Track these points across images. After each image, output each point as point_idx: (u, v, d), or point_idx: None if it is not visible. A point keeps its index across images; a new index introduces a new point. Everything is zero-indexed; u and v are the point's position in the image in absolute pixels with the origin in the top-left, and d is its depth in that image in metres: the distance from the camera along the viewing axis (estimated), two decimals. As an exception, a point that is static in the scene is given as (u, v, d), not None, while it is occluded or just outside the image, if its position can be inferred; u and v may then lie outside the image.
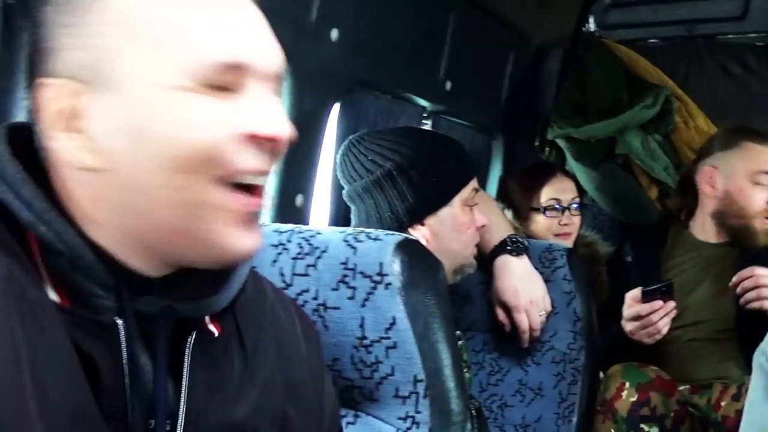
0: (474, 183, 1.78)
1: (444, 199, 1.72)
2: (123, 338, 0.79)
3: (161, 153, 0.76)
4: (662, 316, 1.92)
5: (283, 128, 0.80)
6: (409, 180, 1.70)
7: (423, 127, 2.41)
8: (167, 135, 0.76)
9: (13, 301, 0.72)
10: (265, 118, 0.79)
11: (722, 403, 2.01)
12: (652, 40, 3.19)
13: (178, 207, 0.78)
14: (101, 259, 0.79)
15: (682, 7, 3.10)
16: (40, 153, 0.81)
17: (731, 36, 3.09)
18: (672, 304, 1.96)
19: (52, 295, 0.77)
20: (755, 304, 2.03)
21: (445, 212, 1.72)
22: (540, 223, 2.57)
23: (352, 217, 1.83)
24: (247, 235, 0.81)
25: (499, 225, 2.00)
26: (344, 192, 1.84)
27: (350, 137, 1.85)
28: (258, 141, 0.79)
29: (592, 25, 3.11)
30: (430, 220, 1.71)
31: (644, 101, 2.85)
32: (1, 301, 0.71)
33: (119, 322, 0.79)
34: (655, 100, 2.82)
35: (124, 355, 0.79)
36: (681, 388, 2.16)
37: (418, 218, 1.71)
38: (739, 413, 1.66)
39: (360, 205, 1.75)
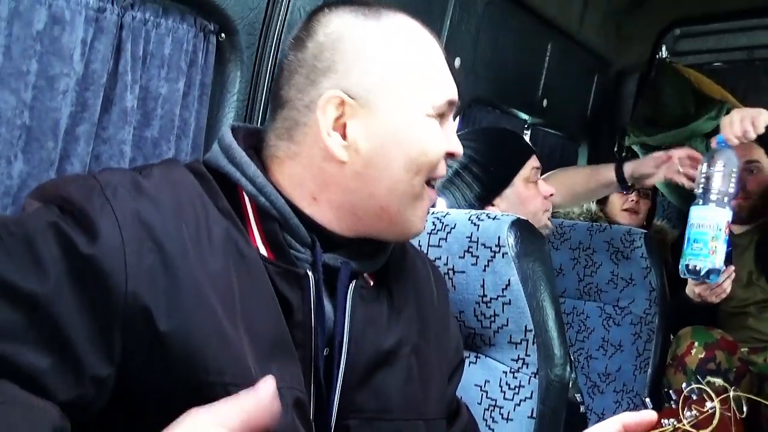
0: (532, 162, 1.67)
1: (504, 183, 1.64)
2: (312, 286, 0.81)
3: (407, 158, 0.83)
4: (725, 278, 1.80)
5: (461, 148, 0.90)
6: (472, 173, 1.65)
7: (485, 126, 2.27)
8: (418, 145, 0.84)
9: (230, 254, 0.76)
10: (457, 142, 0.89)
11: None
12: (716, 64, 3.01)
13: (401, 195, 0.85)
14: (304, 223, 0.83)
15: (743, 36, 2.91)
16: (263, 149, 0.87)
17: (786, 59, 2.88)
18: (732, 267, 1.83)
19: (262, 250, 0.80)
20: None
21: (508, 192, 1.63)
22: (613, 201, 2.53)
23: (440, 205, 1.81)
24: (425, 220, 0.90)
25: None
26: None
27: None
28: (450, 156, 0.88)
29: (664, 52, 2.96)
30: (498, 201, 1.64)
31: (708, 113, 2.69)
32: (221, 255, 0.74)
33: (310, 273, 0.81)
34: (718, 112, 2.65)
35: (313, 298, 0.80)
36: (742, 348, 2.03)
37: (487, 201, 1.65)
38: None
39: (445, 196, 1.72)
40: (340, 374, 0.81)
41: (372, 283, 0.90)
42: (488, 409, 1.23)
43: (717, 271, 1.57)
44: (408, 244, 1.00)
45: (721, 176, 1.59)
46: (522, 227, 1.24)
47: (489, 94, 2.17)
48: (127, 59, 1.16)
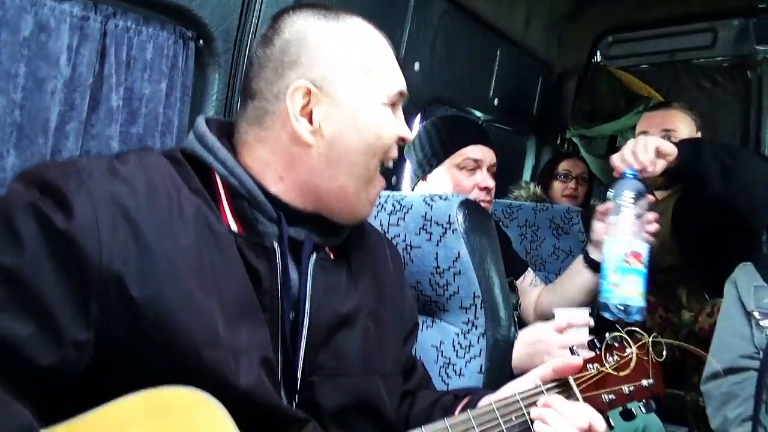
0: (469, 152, 1.56)
1: (432, 164, 1.59)
2: (278, 256, 0.78)
3: (364, 141, 0.82)
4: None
5: (411, 134, 0.88)
6: (416, 146, 1.62)
7: (447, 115, 2.09)
8: (373, 130, 0.82)
9: (201, 229, 0.73)
10: (406, 128, 0.87)
11: (699, 318, 1.86)
12: (643, 66, 3.00)
13: (358, 177, 0.83)
14: (271, 200, 0.80)
15: (665, 40, 2.89)
16: (233, 135, 0.84)
17: (703, 60, 2.87)
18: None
19: (233, 225, 0.77)
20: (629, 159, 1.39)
21: (438, 171, 1.58)
22: (555, 187, 2.50)
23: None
24: (374, 201, 0.88)
25: None
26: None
27: None
28: (401, 141, 0.86)
29: (599, 56, 2.95)
30: (429, 177, 1.59)
31: (637, 108, 2.70)
32: (192, 231, 0.72)
33: (276, 245, 0.78)
34: (645, 107, 2.64)
35: (279, 268, 0.78)
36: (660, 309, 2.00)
37: (422, 175, 1.61)
38: (713, 326, 1.54)
39: (409, 160, 1.69)
40: (303, 335, 0.79)
41: (333, 256, 0.87)
42: (443, 367, 1.21)
43: (633, 307, 1.21)
44: (367, 223, 0.97)
45: (622, 209, 1.29)
46: (470, 207, 1.21)
47: (445, 94, 2.13)
48: (112, 63, 1.11)
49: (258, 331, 0.74)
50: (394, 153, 0.86)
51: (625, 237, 1.25)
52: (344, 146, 0.81)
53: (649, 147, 1.36)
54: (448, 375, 1.19)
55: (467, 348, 1.18)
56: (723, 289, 1.53)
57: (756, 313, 1.45)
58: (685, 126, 1.98)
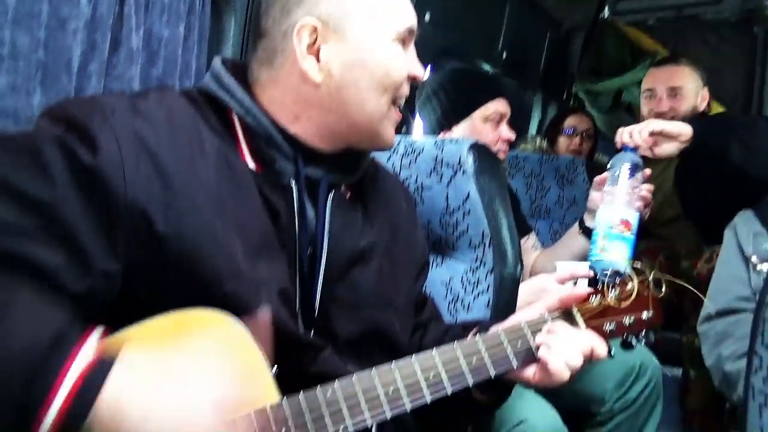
0: (497, 105, 1.55)
1: (462, 114, 1.56)
2: (296, 194, 0.78)
3: (374, 78, 0.79)
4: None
5: (422, 71, 0.85)
6: (438, 100, 1.58)
7: (463, 67, 1.99)
8: (383, 67, 0.79)
9: (221, 166, 0.72)
10: (418, 66, 0.84)
11: (698, 264, 1.85)
12: (650, 21, 2.92)
13: (370, 113, 0.81)
14: (286, 139, 0.79)
15: (673, -4, 2.82)
16: (248, 77, 0.82)
17: (709, 15, 2.79)
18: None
19: (251, 164, 0.77)
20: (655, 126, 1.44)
21: (465, 123, 1.55)
22: (561, 142, 2.46)
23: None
24: (394, 134, 0.86)
25: None
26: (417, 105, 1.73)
27: None
28: (412, 79, 0.83)
29: (606, 12, 2.87)
30: (455, 128, 1.56)
31: (643, 63, 2.64)
32: (212, 167, 0.71)
33: (293, 183, 0.78)
34: (651, 62, 2.58)
35: (296, 205, 0.78)
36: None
37: (446, 126, 1.57)
38: (711, 271, 1.54)
39: (422, 117, 1.66)
40: (321, 269, 0.79)
41: (349, 195, 0.87)
42: (451, 302, 1.22)
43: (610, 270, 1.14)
44: (381, 166, 0.97)
45: (617, 180, 1.32)
46: (479, 149, 1.20)
47: (455, 45, 2.09)
48: (131, 4, 1.09)
49: (276, 265, 0.75)
50: (406, 90, 0.84)
51: (617, 206, 1.28)
52: (354, 84, 0.79)
53: (644, 131, 1.39)
54: (456, 310, 1.21)
55: (475, 284, 1.19)
56: (721, 237, 1.52)
57: (754, 258, 1.46)
58: (691, 82, 1.92)
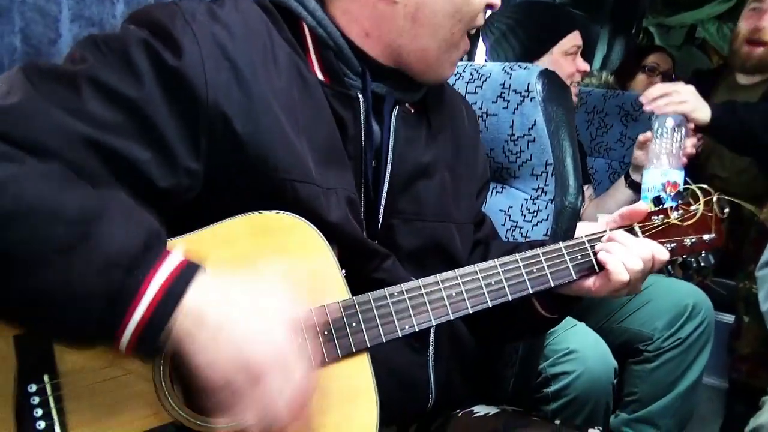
0: (573, 38, 1.57)
1: (543, 50, 1.57)
2: (362, 107, 0.80)
3: (452, 4, 0.79)
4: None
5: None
6: (517, 37, 1.58)
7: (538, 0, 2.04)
8: None
9: (293, 76, 0.75)
10: None
11: (764, 209, 1.80)
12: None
13: (441, 40, 0.81)
14: (355, 54, 0.80)
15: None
16: None
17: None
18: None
19: (320, 75, 0.79)
20: (668, 109, 1.49)
21: (546, 58, 1.56)
22: (640, 79, 2.36)
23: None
24: (454, 69, 0.87)
25: None
26: (488, 45, 1.72)
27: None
28: (489, 7, 0.83)
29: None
30: (536, 63, 1.55)
31: (722, -3, 2.46)
32: (285, 75, 0.73)
33: (360, 97, 0.79)
34: None
35: (362, 116, 0.80)
36: None
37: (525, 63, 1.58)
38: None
39: (495, 55, 1.64)
40: (386, 181, 0.82)
41: (413, 111, 0.88)
42: (510, 229, 1.24)
43: None
44: (447, 83, 0.97)
45: (661, 139, 1.41)
46: (549, 76, 1.18)
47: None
48: None
49: (343, 174, 0.77)
50: (481, 20, 0.83)
51: (662, 167, 1.36)
52: (431, 7, 0.78)
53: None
54: (514, 237, 1.23)
55: (535, 213, 1.20)
56: None
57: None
58: None
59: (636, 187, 1.61)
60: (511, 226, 1.24)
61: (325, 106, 0.77)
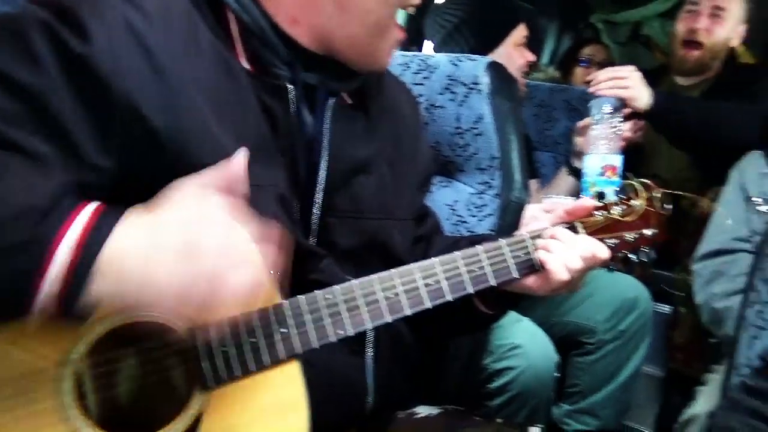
0: (522, 30, 1.55)
1: (494, 44, 1.54)
2: (293, 98, 0.75)
3: None
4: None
5: None
6: (468, 32, 1.55)
7: None
8: None
9: (217, 65, 0.70)
10: None
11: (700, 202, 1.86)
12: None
13: (371, 25, 0.77)
14: (284, 42, 0.75)
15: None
16: None
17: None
18: None
19: (245, 65, 0.74)
20: (609, 92, 1.50)
21: (499, 51, 1.53)
22: (578, 73, 2.40)
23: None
24: (390, 56, 0.83)
25: None
26: (434, 43, 1.70)
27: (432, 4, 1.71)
28: None
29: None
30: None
31: (667, -5, 2.53)
32: (208, 65, 0.69)
33: (290, 86, 0.75)
34: None
35: (293, 109, 0.75)
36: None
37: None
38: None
39: (447, 48, 1.61)
40: (321, 178, 0.78)
41: (350, 103, 0.84)
42: (456, 225, 1.22)
43: None
44: (387, 72, 0.94)
45: (599, 125, 1.43)
46: (497, 68, 1.17)
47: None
48: None
49: (273, 170, 0.73)
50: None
51: (601, 151, 1.39)
52: None
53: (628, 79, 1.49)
54: (459, 232, 1.21)
55: (481, 207, 1.19)
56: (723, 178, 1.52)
57: (757, 199, 1.46)
58: (737, 10, 1.80)
59: (578, 174, 1.61)
60: (457, 221, 1.22)
61: (252, 98, 0.72)
